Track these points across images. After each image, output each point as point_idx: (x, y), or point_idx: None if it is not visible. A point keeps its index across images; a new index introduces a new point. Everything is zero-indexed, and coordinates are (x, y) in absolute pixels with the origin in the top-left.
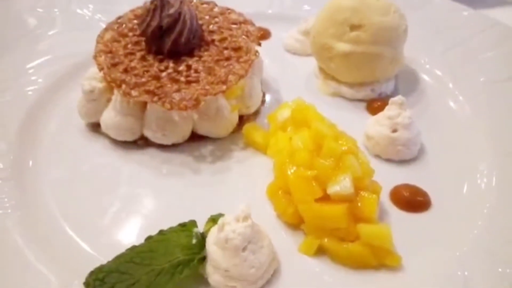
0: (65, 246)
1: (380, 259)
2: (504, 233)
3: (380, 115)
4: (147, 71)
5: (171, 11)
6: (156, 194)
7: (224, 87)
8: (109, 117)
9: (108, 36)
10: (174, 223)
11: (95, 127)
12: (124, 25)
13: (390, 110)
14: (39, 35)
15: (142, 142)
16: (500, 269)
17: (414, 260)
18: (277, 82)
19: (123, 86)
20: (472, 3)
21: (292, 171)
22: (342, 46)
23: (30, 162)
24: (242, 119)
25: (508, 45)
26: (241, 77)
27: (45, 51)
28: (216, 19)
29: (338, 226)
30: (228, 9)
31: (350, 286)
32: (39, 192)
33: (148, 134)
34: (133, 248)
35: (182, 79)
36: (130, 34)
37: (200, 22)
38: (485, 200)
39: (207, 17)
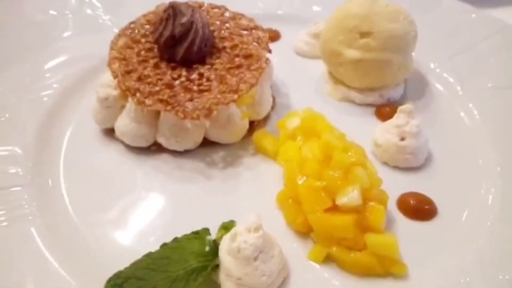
0: (84, 251)
1: (387, 267)
2: (507, 242)
3: (388, 123)
4: (161, 79)
5: (183, 20)
6: (169, 200)
7: (235, 96)
8: (124, 124)
9: (121, 42)
10: (187, 229)
11: (110, 132)
12: (137, 31)
13: (398, 118)
14: (52, 38)
15: (155, 148)
16: (500, 277)
17: (420, 267)
18: (287, 86)
19: (138, 94)
20: (478, 2)
21: (301, 181)
22: (352, 53)
23: (48, 168)
24: (253, 125)
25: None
26: (252, 86)
27: (58, 55)
28: (227, 25)
29: (346, 236)
30: (239, 14)
31: None
32: (57, 198)
33: (161, 140)
34: (149, 254)
35: (195, 88)
36: (143, 40)
37: (211, 28)
38: (490, 210)
39: (218, 22)
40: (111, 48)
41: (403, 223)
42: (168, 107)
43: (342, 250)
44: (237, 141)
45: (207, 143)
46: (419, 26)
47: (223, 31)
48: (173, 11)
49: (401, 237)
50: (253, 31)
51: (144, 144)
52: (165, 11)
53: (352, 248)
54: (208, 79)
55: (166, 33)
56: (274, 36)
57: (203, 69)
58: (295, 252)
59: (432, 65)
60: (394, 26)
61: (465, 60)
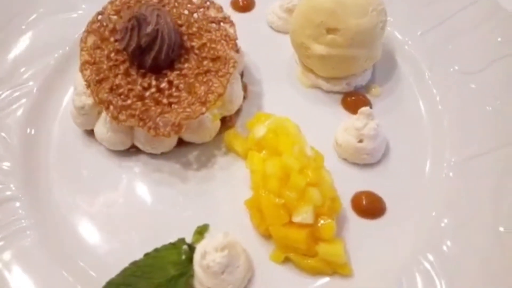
0: (79, 259)
1: (334, 269)
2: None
3: (349, 123)
4: (131, 90)
5: (148, 30)
6: (149, 204)
7: (204, 109)
8: (101, 132)
9: (90, 41)
10: (166, 232)
11: (91, 132)
12: (105, 24)
13: (358, 120)
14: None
15: (134, 150)
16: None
17: (364, 264)
18: (259, 69)
19: (111, 107)
20: None
21: (264, 195)
22: (318, 48)
23: (36, 176)
24: (225, 120)
25: (491, 24)
26: (220, 95)
27: (28, 43)
28: (195, 16)
29: (300, 246)
30: (207, 0)
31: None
32: (48, 207)
33: (138, 145)
34: (134, 262)
35: (165, 100)
36: (112, 39)
37: (178, 21)
38: (434, 205)
39: (186, 12)
40: (81, 49)
41: (355, 220)
42: (141, 123)
43: (297, 256)
44: (210, 140)
45: (182, 143)
46: None
47: (191, 28)
48: (137, 22)
49: (352, 234)
50: (221, 24)
51: (122, 148)
52: (129, 20)
53: (306, 255)
54: (177, 88)
55: (133, 44)
56: (248, 5)
57: (172, 76)
58: (260, 250)
59: (403, 41)
60: (361, 22)
61: (436, 37)
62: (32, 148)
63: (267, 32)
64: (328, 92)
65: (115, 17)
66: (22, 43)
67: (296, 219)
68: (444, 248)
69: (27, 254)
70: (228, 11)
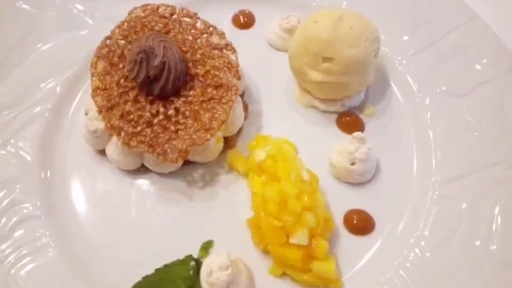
0: (95, 273)
1: (327, 283)
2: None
3: (342, 146)
4: (141, 116)
5: (156, 62)
6: (158, 220)
7: (208, 136)
8: (113, 153)
9: (100, 66)
10: (175, 248)
11: (102, 151)
12: (113, 49)
13: (351, 144)
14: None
15: (143, 169)
16: None
17: (354, 277)
18: (258, 88)
19: (122, 133)
20: None
21: (264, 218)
22: (315, 75)
23: (52, 195)
24: (227, 139)
25: (479, 46)
26: (223, 122)
27: (37, 64)
28: (199, 41)
29: (296, 265)
30: (210, 25)
31: None
32: (65, 224)
33: (147, 166)
34: (146, 277)
35: (172, 127)
36: (121, 65)
37: (183, 48)
38: (418, 223)
39: (190, 37)
40: (92, 74)
41: (347, 237)
42: (150, 150)
43: (293, 271)
44: (214, 159)
45: (188, 162)
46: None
47: (195, 54)
48: (145, 55)
49: (344, 250)
50: (224, 51)
51: (132, 168)
52: (138, 53)
53: (301, 271)
54: (183, 115)
55: (142, 75)
56: (248, 23)
57: (178, 103)
58: (260, 265)
59: (396, 61)
60: (355, 52)
61: (427, 58)
62: (47, 168)
63: (267, 50)
64: (324, 112)
65: (122, 41)
66: (31, 64)
67: (293, 240)
68: (424, 262)
69: (46, 269)
70: (229, 27)
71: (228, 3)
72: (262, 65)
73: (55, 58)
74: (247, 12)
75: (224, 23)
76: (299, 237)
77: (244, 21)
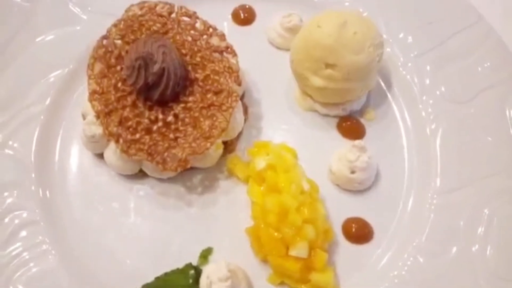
0: (95, 281)
1: None
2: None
3: (343, 154)
4: (139, 123)
5: (155, 68)
6: (157, 227)
7: (208, 144)
8: (111, 159)
9: (97, 69)
10: (174, 255)
11: (100, 154)
12: (111, 51)
13: (351, 152)
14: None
15: (142, 174)
16: None
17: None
18: (259, 89)
19: (121, 141)
20: None
21: (263, 228)
22: (317, 81)
23: (52, 199)
24: (226, 143)
25: (483, 50)
26: (223, 130)
27: (31, 62)
28: (198, 43)
29: (294, 275)
30: (210, 26)
31: None
32: (64, 230)
33: (146, 171)
34: (147, 285)
35: (171, 135)
36: (118, 67)
37: (183, 51)
38: (416, 232)
39: (189, 38)
40: (89, 77)
41: (345, 245)
42: (149, 158)
43: (291, 281)
44: (213, 164)
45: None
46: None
47: (195, 57)
48: (144, 61)
49: (342, 258)
50: (224, 54)
51: (131, 173)
52: (136, 60)
53: (299, 281)
54: (183, 122)
55: (140, 82)
56: (248, 19)
57: (177, 109)
58: (259, 272)
59: (398, 65)
60: (358, 58)
61: (430, 61)
62: (45, 172)
63: (267, 48)
64: (325, 115)
65: (119, 41)
66: (25, 63)
67: (293, 252)
68: (422, 271)
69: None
70: (228, 23)
71: None
72: (263, 64)
73: (49, 55)
74: (247, 7)
75: (223, 19)
76: (299, 250)
77: (244, 16)
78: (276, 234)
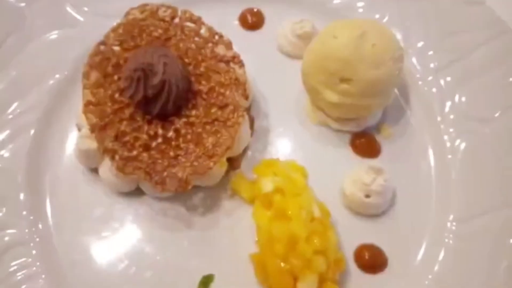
0: None
1: None
2: None
3: (357, 175)
4: (137, 138)
5: (155, 81)
6: (155, 250)
7: (211, 164)
8: (106, 175)
9: (93, 77)
10: (172, 281)
11: (95, 169)
12: (108, 58)
13: (366, 174)
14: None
15: (139, 192)
16: None
17: None
18: (267, 100)
19: (116, 157)
20: None
21: (270, 258)
22: (331, 96)
23: (43, 218)
24: (231, 159)
25: (510, 63)
26: (228, 148)
27: (22, 68)
28: (203, 52)
29: None
30: (215, 33)
31: None
32: (57, 250)
33: (143, 189)
34: None
35: (171, 153)
36: (115, 76)
37: (186, 59)
38: (433, 263)
39: (193, 46)
40: (84, 86)
41: (357, 274)
42: (147, 177)
43: None
44: (216, 183)
45: None
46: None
47: (198, 67)
48: (143, 73)
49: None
50: (231, 64)
51: (127, 190)
52: (135, 71)
53: None
54: (184, 138)
55: (139, 94)
56: (257, 23)
57: (179, 124)
58: None
59: (417, 78)
60: (377, 73)
61: (452, 75)
62: (37, 188)
63: (277, 56)
64: (337, 131)
65: (118, 48)
66: (16, 68)
67: (301, 286)
68: None
69: None
70: (235, 28)
71: None
72: (271, 73)
73: (43, 60)
74: (255, 10)
75: (230, 22)
76: (308, 283)
77: (253, 21)
78: (283, 265)
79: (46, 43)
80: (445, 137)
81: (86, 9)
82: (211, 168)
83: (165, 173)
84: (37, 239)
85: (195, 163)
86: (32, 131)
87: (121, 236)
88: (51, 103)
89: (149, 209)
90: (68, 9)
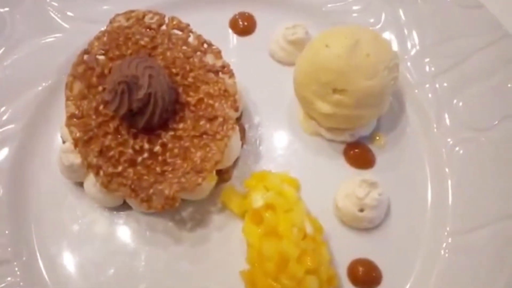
0: None
1: None
2: None
3: (350, 189)
4: (123, 153)
5: (140, 94)
6: (142, 266)
7: (200, 179)
8: (91, 190)
9: (76, 89)
10: None
11: (80, 183)
12: (92, 68)
13: (360, 188)
14: None
15: (125, 206)
16: None
17: None
18: (258, 109)
19: (101, 173)
20: None
21: (260, 277)
22: (323, 107)
23: (26, 234)
24: (221, 171)
25: (509, 69)
26: (217, 162)
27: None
28: (191, 61)
29: None
30: (204, 41)
31: None
32: (36, 270)
33: (130, 204)
34: None
35: (158, 169)
36: (100, 88)
37: (173, 70)
38: (429, 277)
39: (181, 55)
40: (67, 98)
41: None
42: (133, 194)
43: None
44: (205, 196)
45: None
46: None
47: (186, 77)
48: (127, 86)
49: None
50: (220, 75)
51: (113, 205)
52: (119, 83)
53: None
54: (171, 153)
55: (123, 108)
56: (249, 27)
57: (166, 138)
58: None
59: (413, 86)
60: (371, 83)
61: (448, 82)
62: (20, 204)
63: (269, 62)
64: (331, 141)
65: (102, 57)
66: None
67: None
68: None
69: None
70: (226, 33)
71: (226, 2)
72: (263, 80)
73: (25, 69)
74: (247, 14)
75: (220, 27)
76: None
77: (244, 25)
78: (274, 284)
79: (29, 51)
80: (441, 146)
81: (70, 14)
82: (199, 184)
83: (151, 190)
84: (23, 258)
85: (183, 179)
86: (14, 143)
87: (107, 252)
88: (34, 113)
89: (136, 224)
90: (52, 14)
